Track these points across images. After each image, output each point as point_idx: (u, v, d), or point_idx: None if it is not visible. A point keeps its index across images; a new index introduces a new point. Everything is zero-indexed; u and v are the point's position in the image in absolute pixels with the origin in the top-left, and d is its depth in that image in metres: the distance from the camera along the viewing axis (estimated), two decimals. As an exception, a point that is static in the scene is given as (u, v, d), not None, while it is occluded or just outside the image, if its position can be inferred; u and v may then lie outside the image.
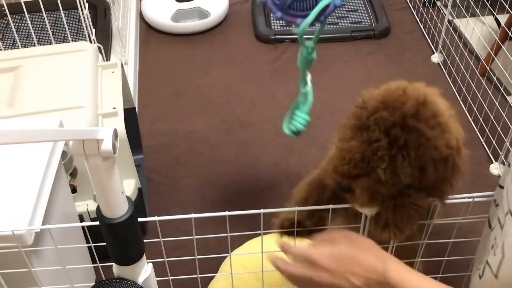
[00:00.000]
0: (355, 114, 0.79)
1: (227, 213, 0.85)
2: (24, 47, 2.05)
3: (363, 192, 0.79)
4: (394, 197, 0.82)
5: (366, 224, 0.88)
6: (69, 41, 1.87)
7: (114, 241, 0.80)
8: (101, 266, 0.91)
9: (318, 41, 1.13)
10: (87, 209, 1.35)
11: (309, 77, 1.17)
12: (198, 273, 0.96)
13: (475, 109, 1.90)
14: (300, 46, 1.12)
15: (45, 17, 1.67)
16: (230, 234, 0.89)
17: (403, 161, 0.75)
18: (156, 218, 0.84)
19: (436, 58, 2.21)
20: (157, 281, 0.92)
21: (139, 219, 0.82)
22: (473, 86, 1.94)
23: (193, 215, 0.84)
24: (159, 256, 0.92)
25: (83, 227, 0.86)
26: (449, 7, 2.13)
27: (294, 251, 0.79)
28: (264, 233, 0.91)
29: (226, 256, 1.38)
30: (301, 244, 0.80)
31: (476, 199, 0.89)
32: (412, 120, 0.75)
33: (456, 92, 2.03)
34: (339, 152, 0.80)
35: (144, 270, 0.87)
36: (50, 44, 1.95)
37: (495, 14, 2.08)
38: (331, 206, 0.89)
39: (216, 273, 1.37)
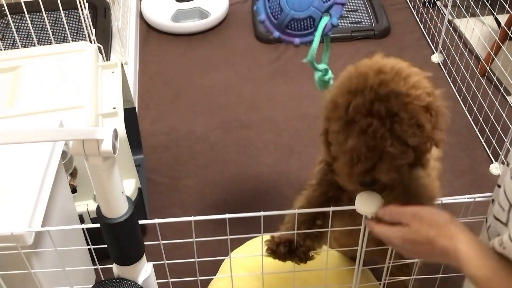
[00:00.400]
0: (333, 118, 0.81)
1: (227, 215, 0.84)
2: (24, 47, 2.05)
3: (388, 175, 0.80)
4: (406, 193, 0.84)
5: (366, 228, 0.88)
6: (69, 41, 1.87)
7: (114, 241, 0.80)
8: (101, 267, 0.90)
9: (320, 42, 1.13)
10: (87, 209, 1.35)
11: None
12: (198, 276, 0.96)
13: (475, 109, 1.90)
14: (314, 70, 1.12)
15: (45, 17, 1.67)
16: (230, 236, 0.89)
17: (401, 127, 0.76)
18: (156, 220, 0.83)
19: (436, 58, 2.21)
20: (157, 283, 0.92)
21: (139, 222, 0.82)
22: (473, 86, 1.94)
23: (192, 218, 0.83)
24: (159, 256, 0.92)
25: (82, 228, 0.86)
26: (449, 7, 2.13)
27: (380, 234, 0.82)
28: (264, 235, 0.91)
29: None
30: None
31: (477, 199, 0.89)
32: (383, 88, 0.77)
33: (456, 92, 2.03)
34: (344, 157, 0.81)
35: (144, 270, 0.87)
36: (50, 44, 1.95)
37: (495, 14, 2.08)
38: (331, 208, 0.89)
39: (216, 273, 1.37)
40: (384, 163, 0.79)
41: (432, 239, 0.76)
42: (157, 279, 0.91)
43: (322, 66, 1.11)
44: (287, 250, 0.99)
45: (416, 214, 0.79)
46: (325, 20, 1.03)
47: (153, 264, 0.89)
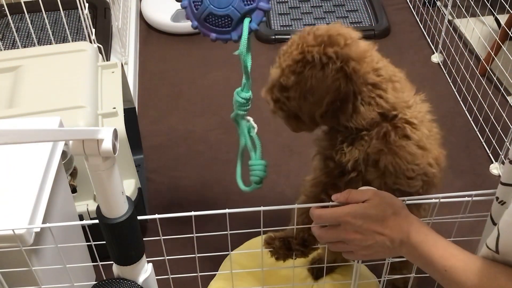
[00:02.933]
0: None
1: (227, 210, 0.85)
2: (24, 47, 2.05)
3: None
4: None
5: None
6: (69, 41, 1.87)
7: (114, 241, 0.80)
8: (102, 264, 0.91)
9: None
10: (87, 209, 1.35)
11: (251, 120, 1.14)
12: (198, 271, 0.96)
13: (475, 109, 1.90)
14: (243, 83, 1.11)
15: (45, 17, 1.67)
16: (230, 232, 0.89)
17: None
18: (157, 216, 0.84)
19: (436, 58, 2.21)
20: (157, 280, 0.92)
21: (139, 217, 0.82)
22: (473, 86, 1.94)
23: (193, 213, 0.84)
24: (159, 256, 0.92)
25: (83, 226, 0.86)
26: (449, 7, 2.13)
27: (326, 217, 0.82)
28: (264, 231, 0.91)
29: (226, 255, 1.38)
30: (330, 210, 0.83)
31: (475, 198, 0.89)
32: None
33: (456, 92, 2.04)
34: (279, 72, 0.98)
35: (144, 270, 0.87)
36: (50, 44, 1.95)
37: (495, 14, 2.08)
38: (330, 204, 0.89)
39: (215, 271, 1.37)
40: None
41: (388, 216, 0.78)
42: (157, 276, 0.91)
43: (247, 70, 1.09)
44: (283, 245, 1.01)
45: (378, 193, 0.81)
46: (247, 22, 1.02)
47: (154, 261, 0.89)
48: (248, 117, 1.12)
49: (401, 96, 0.91)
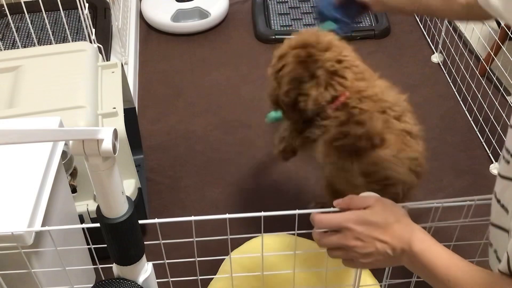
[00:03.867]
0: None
1: (227, 216, 0.84)
2: (24, 47, 2.05)
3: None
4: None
5: None
6: (69, 41, 1.87)
7: (114, 241, 0.80)
8: (101, 267, 0.90)
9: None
10: (87, 209, 1.35)
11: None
12: (198, 275, 0.96)
13: (475, 109, 1.90)
14: None
15: (45, 17, 1.67)
16: (231, 236, 0.88)
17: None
18: (156, 220, 0.83)
19: (436, 58, 2.21)
20: (157, 282, 0.92)
21: (139, 221, 0.82)
22: (473, 86, 1.94)
23: (193, 218, 0.83)
24: (159, 256, 0.92)
25: (83, 228, 0.85)
26: (449, 7, 2.12)
27: (326, 222, 0.81)
28: (265, 235, 0.91)
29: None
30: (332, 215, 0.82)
31: (477, 202, 0.89)
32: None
33: (456, 92, 2.03)
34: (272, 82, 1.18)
35: (144, 270, 0.87)
36: (50, 44, 1.95)
37: (495, 14, 2.08)
38: (331, 210, 0.88)
39: (216, 272, 1.36)
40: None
41: (390, 224, 0.77)
42: (157, 279, 0.91)
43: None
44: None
45: (380, 199, 0.80)
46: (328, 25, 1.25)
47: (153, 264, 0.89)
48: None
49: (356, 85, 1.11)
